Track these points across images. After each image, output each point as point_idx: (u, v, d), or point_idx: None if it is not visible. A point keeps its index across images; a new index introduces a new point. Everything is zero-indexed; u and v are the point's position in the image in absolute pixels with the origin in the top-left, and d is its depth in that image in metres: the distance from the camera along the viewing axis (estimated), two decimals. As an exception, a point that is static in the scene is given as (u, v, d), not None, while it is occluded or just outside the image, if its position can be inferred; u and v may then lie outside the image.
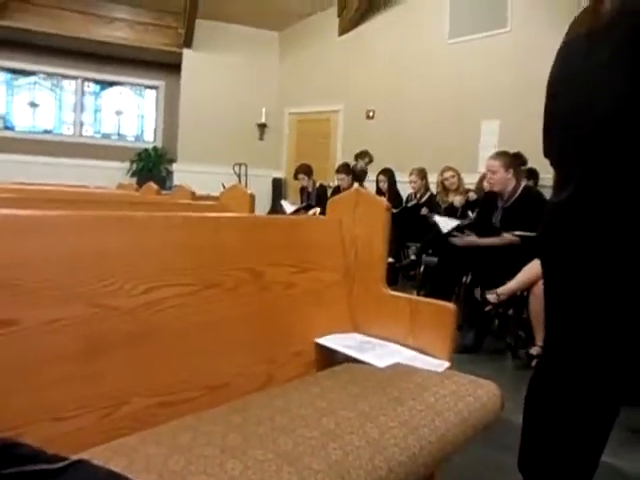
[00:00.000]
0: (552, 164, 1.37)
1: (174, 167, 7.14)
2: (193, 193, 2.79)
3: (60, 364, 0.90)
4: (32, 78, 7.38)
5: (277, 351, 1.27)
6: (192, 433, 0.88)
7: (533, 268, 2.71)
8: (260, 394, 1.12)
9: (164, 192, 3.51)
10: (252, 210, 2.19)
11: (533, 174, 3.97)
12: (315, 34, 6.82)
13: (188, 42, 6.82)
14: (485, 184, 4.08)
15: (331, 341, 1.36)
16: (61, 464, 0.43)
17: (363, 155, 5.30)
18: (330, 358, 1.36)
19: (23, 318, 0.86)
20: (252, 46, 7.10)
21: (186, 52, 6.93)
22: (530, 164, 3.92)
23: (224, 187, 3.32)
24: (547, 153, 1.40)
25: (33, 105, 7.42)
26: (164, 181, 7.10)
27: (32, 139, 7.26)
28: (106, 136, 7.77)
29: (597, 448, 1.26)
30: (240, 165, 6.99)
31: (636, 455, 1.76)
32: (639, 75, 1.07)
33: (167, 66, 7.44)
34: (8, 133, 7.23)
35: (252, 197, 2.20)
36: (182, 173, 6.80)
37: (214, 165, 6.85)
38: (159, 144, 7.79)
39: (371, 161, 5.26)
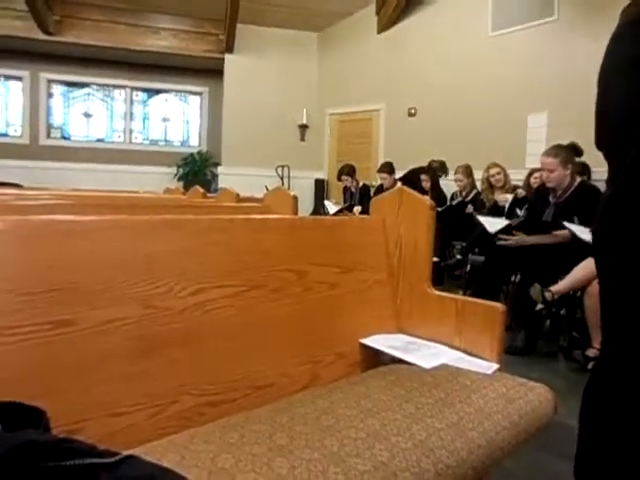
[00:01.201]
0: (605, 156, 1.30)
1: (219, 170, 7.31)
2: (237, 195, 2.84)
3: (114, 363, 0.93)
4: (86, 89, 7.76)
5: (321, 351, 1.28)
6: (240, 432, 0.89)
7: (587, 266, 2.59)
8: (305, 394, 1.12)
9: (209, 195, 3.59)
10: (295, 211, 2.20)
11: (585, 168, 3.79)
12: (354, 33, 6.80)
13: (229, 47, 6.97)
14: (532, 180, 3.94)
15: (376, 342, 1.35)
16: (114, 459, 0.45)
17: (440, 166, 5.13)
18: (375, 359, 1.35)
19: (80, 319, 0.91)
20: (291, 48, 7.17)
21: (228, 57, 7.09)
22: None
23: (267, 189, 3.37)
24: (600, 145, 1.33)
25: (87, 115, 7.80)
26: (209, 184, 7.29)
27: (87, 147, 7.65)
28: (154, 142, 8.06)
29: None
30: (283, 167, 7.08)
31: None
32: None
33: (210, 72, 7.64)
34: (65, 142, 7.64)
35: (295, 198, 2.21)
36: (226, 176, 6.96)
37: (257, 167, 6.96)
38: (204, 148, 8.00)
39: (446, 174, 5.10)
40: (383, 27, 6.40)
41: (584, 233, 2.71)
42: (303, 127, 7.33)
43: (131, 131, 7.96)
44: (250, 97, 7.08)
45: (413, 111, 6.12)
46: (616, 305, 1.26)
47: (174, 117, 8.17)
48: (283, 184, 6.85)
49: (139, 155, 7.78)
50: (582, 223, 2.80)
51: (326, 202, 5.97)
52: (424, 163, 5.05)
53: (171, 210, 2.13)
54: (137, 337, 0.97)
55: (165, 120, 8.13)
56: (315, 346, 1.27)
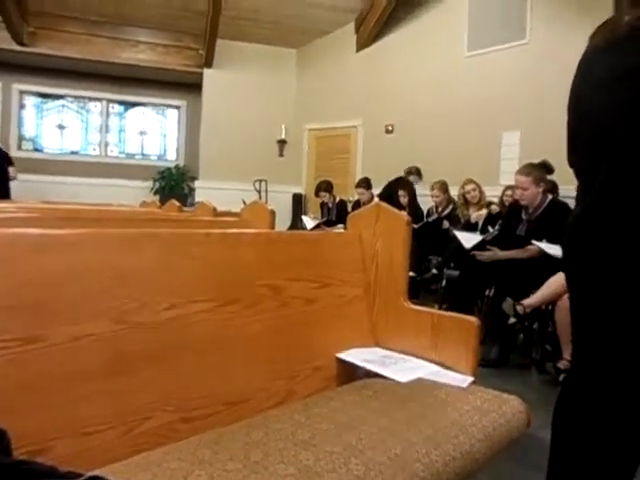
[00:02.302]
0: (576, 174, 1.35)
1: (196, 184, 7.26)
2: (214, 210, 2.83)
3: (85, 380, 0.91)
4: (60, 101, 7.65)
5: (297, 366, 1.27)
6: (214, 448, 0.88)
7: (558, 281, 2.65)
8: (280, 409, 1.12)
9: (186, 209, 3.57)
10: (272, 226, 2.20)
11: (553, 186, 3.90)
12: (333, 50, 6.90)
13: (209, 62, 6.99)
14: (505, 197, 4.04)
15: (352, 356, 1.35)
16: (77, 480, 0.44)
17: (412, 171, 5.33)
18: (351, 373, 1.35)
19: (49, 335, 0.88)
20: (271, 64, 7.23)
21: (206, 72, 7.10)
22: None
23: (245, 203, 3.36)
24: (572, 163, 1.38)
25: (61, 127, 7.67)
26: (186, 198, 7.23)
27: (60, 160, 7.51)
28: (130, 156, 7.98)
29: (629, 469, 1.22)
30: (260, 181, 7.08)
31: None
32: None
33: (188, 86, 7.63)
34: (38, 155, 7.49)
35: (272, 213, 2.22)
36: (204, 190, 6.91)
37: (235, 182, 6.94)
38: (181, 162, 7.95)
39: (420, 178, 5.29)
40: (362, 45, 6.52)
41: (553, 249, 2.78)
42: (281, 142, 7.36)
43: (107, 144, 7.87)
44: (229, 112, 7.09)
45: (390, 128, 6.22)
46: (585, 319, 1.30)
47: (151, 130, 8.11)
48: (261, 198, 6.85)
49: (115, 168, 7.68)
50: (553, 239, 2.88)
51: (303, 217, 5.99)
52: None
53: (146, 224, 2.11)
54: (109, 353, 0.95)
55: (142, 133, 8.07)
56: (291, 361, 1.26)
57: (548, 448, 1.35)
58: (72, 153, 7.68)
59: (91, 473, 0.46)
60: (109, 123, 7.89)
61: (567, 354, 2.61)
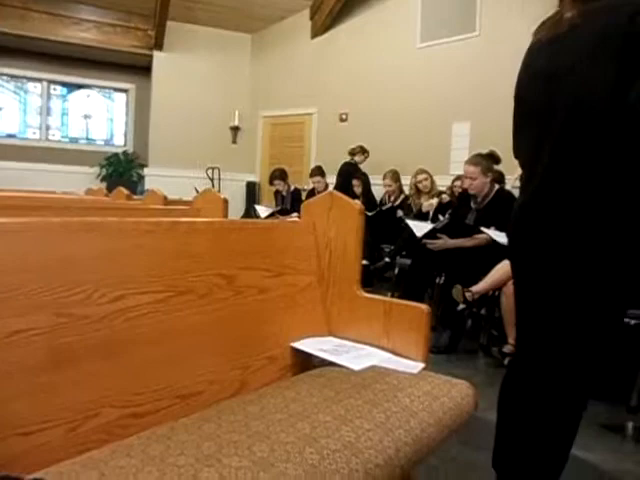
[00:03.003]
0: (521, 165, 1.40)
1: (145, 171, 7.02)
2: (165, 198, 2.74)
3: (24, 376, 0.86)
4: (-5, 80, 7.16)
5: (251, 357, 1.26)
6: (165, 443, 0.86)
7: (503, 267, 2.76)
8: (234, 401, 1.10)
9: (135, 197, 3.44)
10: (225, 214, 2.16)
11: (500, 176, 4.04)
12: (288, 36, 6.82)
13: (159, 44, 6.73)
14: (455, 186, 4.15)
15: (306, 345, 1.35)
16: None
17: (360, 150, 5.29)
18: (305, 362, 1.35)
19: (-15, 329, 0.83)
20: (224, 48, 7.06)
21: (157, 54, 6.84)
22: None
23: (197, 191, 3.29)
24: (517, 154, 1.43)
25: (-4, 108, 7.20)
26: (135, 186, 6.97)
27: (-5, 143, 7.05)
28: (74, 140, 7.59)
29: (567, 442, 1.30)
30: (213, 169, 6.93)
31: (604, 448, 1.81)
32: (607, 72, 1.11)
33: (137, 69, 7.33)
34: (-31, 137, 7.00)
35: (225, 201, 2.17)
36: (154, 177, 6.70)
37: (187, 169, 6.77)
38: (130, 148, 7.65)
39: (365, 155, 5.27)
40: (316, 33, 6.47)
41: (501, 237, 2.89)
42: (235, 129, 7.23)
43: (48, 127, 7.45)
44: (180, 96, 6.87)
45: (345, 116, 6.24)
46: (528, 305, 1.36)
47: (97, 114, 7.74)
48: (213, 186, 6.71)
49: (57, 153, 7.28)
50: (500, 227, 2.98)
51: (257, 206, 5.92)
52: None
53: (92, 212, 2.02)
54: (50, 348, 0.90)
55: (87, 117, 7.68)
56: (245, 351, 1.25)
57: (494, 429, 1.41)
58: (9, 136, 7.22)
59: (32, 476, 0.44)
60: (50, 105, 7.47)
61: (511, 338, 2.73)
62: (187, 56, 6.93)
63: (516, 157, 1.44)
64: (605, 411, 2.11)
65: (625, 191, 1.16)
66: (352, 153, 5.34)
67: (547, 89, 1.25)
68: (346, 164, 5.27)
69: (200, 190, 2.82)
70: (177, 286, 1.14)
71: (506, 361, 2.65)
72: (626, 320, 2.11)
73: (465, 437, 1.46)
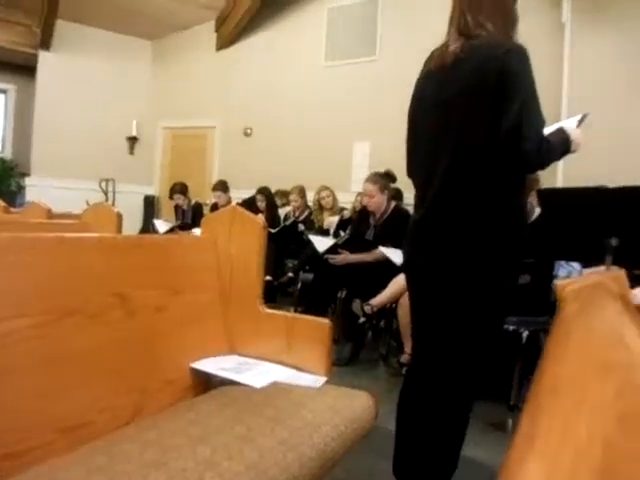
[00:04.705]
0: (415, 186, 1.50)
1: (27, 182, 6.39)
2: (49, 211, 2.51)
3: None
4: None
5: (147, 380, 1.19)
6: (45, 483, 0.78)
7: (400, 280, 2.90)
8: (128, 428, 1.03)
9: (14, 210, 3.12)
10: (119, 230, 2.04)
11: (398, 194, 4.28)
12: (192, 46, 6.66)
13: (46, 43, 6.21)
14: (356, 203, 4.31)
15: (206, 365, 1.31)
16: None
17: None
18: (206, 383, 1.31)
19: None
20: (122, 54, 6.70)
21: (43, 54, 6.31)
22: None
23: (88, 204, 3.06)
24: (410, 174, 1.53)
25: None
26: (14, 197, 6.32)
27: None
28: (-60, 144, 6.72)
29: (458, 442, 1.39)
30: (107, 181, 6.51)
31: (492, 446, 1.96)
32: (483, 103, 1.23)
33: (19, 68, 6.70)
34: None
35: (119, 215, 2.05)
36: (37, 188, 6.11)
37: (76, 180, 6.28)
38: (8, 155, 6.94)
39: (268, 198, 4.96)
40: (222, 45, 6.40)
41: (394, 254, 3.05)
42: (132, 139, 6.87)
43: None
44: (70, 101, 6.38)
45: (249, 131, 6.22)
46: (422, 316, 1.44)
47: (-31, 116, 6.94)
48: (107, 199, 6.30)
49: None
50: (397, 243, 3.14)
51: (156, 221, 5.65)
52: (259, 183, 5.13)
53: (-40, 226, 1.79)
54: None
55: (-44, 119, 6.86)
56: (139, 375, 1.18)
57: (393, 437, 1.46)
58: None
59: None
60: None
61: (408, 348, 2.87)
62: (80, 59, 6.47)
63: (409, 176, 1.53)
64: (488, 410, 2.29)
65: (502, 213, 1.29)
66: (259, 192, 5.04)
67: (436, 115, 1.35)
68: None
69: (92, 203, 2.63)
70: (62, 308, 1.04)
71: (404, 370, 2.77)
72: (505, 326, 2.32)
73: (365, 445, 1.49)
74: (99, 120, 6.53)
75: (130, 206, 6.18)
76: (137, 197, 6.80)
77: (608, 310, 0.59)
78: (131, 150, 6.93)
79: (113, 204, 5.83)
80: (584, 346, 0.40)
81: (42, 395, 0.97)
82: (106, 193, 6.49)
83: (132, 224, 6.11)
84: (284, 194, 5.14)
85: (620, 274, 0.80)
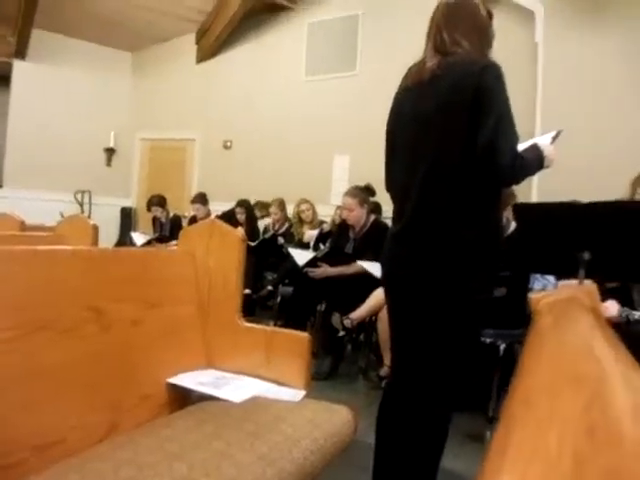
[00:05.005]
0: (392, 198, 1.51)
1: (-1, 193, 6.25)
2: (22, 223, 2.46)
3: None
4: None
5: (122, 396, 1.16)
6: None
7: (379, 294, 2.92)
8: (102, 446, 1.00)
9: (-15, 221, 3.03)
10: (95, 242, 2.00)
11: (377, 207, 4.32)
12: (172, 59, 6.65)
13: (21, 53, 6.11)
14: (335, 217, 4.33)
15: (184, 380, 1.28)
16: None
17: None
18: (184, 398, 1.29)
19: None
20: (101, 65, 6.64)
21: (18, 64, 6.20)
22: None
23: (62, 216, 3.00)
24: (388, 188, 1.55)
25: None
26: (-14, 208, 6.15)
27: None
28: None
29: (437, 453, 1.39)
30: (83, 192, 6.40)
31: (470, 457, 1.96)
32: (457, 120, 1.26)
33: (-8, 77, 6.58)
34: None
35: (95, 228, 2.02)
36: (9, 200, 5.95)
37: (51, 192, 6.16)
38: (-21, 165, 6.78)
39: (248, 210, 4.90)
40: (202, 57, 6.40)
41: (373, 267, 3.06)
42: (110, 151, 6.79)
43: None
44: (46, 112, 6.28)
45: (229, 144, 6.21)
46: (401, 330, 1.45)
47: (-60, 126, 6.76)
48: (83, 211, 6.19)
49: None
50: (375, 256, 3.16)
51: (133, 233, 5.57)
52: (239, 196, 5.12)
53: None
54: None
55: None
56: (114, 391, 1.15)
57: (373, 450, 1.46)
58: None
59: None
60: None
61: (387, 361, 2.88)
62: (56, 69, 6.39)
63: (388, 190, 1.55)
64: (467, 421, 2.31)
65: (479, 227, 1.31)
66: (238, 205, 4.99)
67: (414, 129, 1.38)
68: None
69: (66, 215, 2.58)
70: (34, 322, 1.02)
71: (383, 384, 2.77)
72: (482, 339, 2.34)
73: (347, 459, 1.49)
74: (76, 131, 6.44)
75: (106, 218, 6.09)
76: (114, 209, 6.70)
77: (580, 323, 0.61)
78: (108, 162, 6.84)
79: (89, 216, 5.73)
80: (556, 358, 0.41)
81: (11, 412, 0.94)
82: (82, 205, 6.38)
83: (108, 237, 6.01)
84: (264, 206, 5.14)
85: (592, 288, 0.82)
